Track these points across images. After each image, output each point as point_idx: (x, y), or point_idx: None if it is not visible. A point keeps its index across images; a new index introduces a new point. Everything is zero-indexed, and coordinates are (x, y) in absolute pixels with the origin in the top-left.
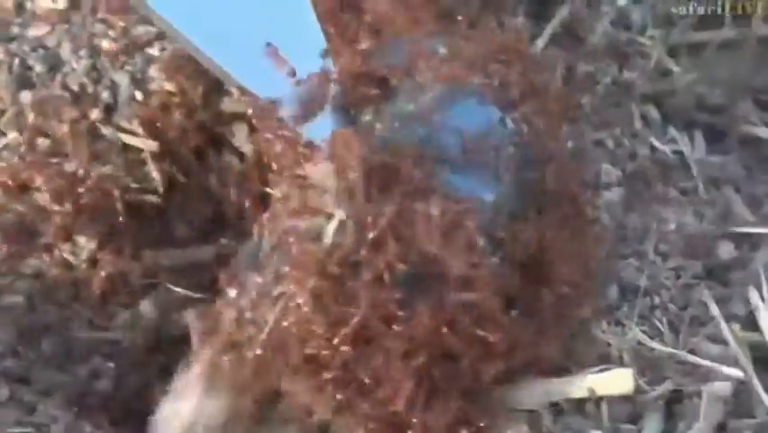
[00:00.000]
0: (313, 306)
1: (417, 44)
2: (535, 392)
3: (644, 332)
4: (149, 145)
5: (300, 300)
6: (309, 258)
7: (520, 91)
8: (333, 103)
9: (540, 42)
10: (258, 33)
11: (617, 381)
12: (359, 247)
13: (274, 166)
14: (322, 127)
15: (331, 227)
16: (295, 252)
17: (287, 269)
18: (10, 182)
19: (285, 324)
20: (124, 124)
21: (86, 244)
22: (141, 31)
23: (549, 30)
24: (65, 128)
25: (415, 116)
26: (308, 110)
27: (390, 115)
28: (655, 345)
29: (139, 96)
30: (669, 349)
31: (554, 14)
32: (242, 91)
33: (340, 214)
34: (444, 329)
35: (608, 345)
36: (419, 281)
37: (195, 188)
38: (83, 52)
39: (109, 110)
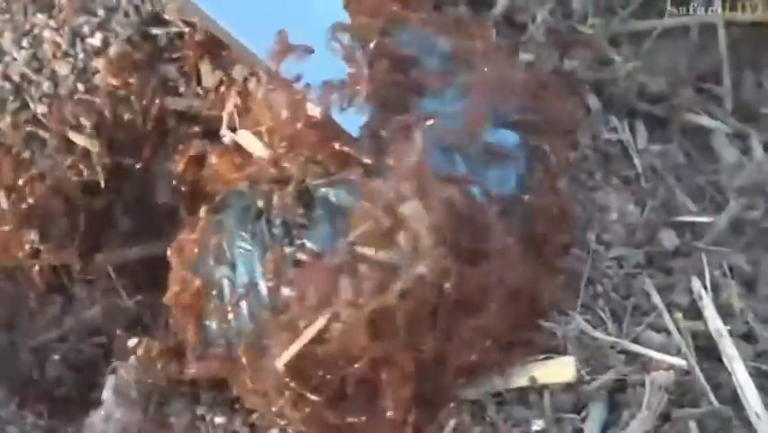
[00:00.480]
0: (366, 331)
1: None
2: (478, 382)
3: (586, 321)
4: (90, 143)
5: (351, 321)
6: (382, 294)
7: (540, 119)
8: (365, 89)
9: None
10: (282, 10)
11: (558, 369)
12: (431, 297)
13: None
14: (355, 115)
15: (413, 273)
16: (369, 281)
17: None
18: None
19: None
20: (67, 116)
21: (28, 236)
22: (82, 20)
23: (490, 19)
24: (7, 119)
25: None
26: (341, 95)
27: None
28: (598, 334)
29: (81, 87)
30: (612, 338)
31: (495, 3)
32: (269, 73)
33: (422, 267)
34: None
35: (553, 334)
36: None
37: (140, 183)
38: (25, 42)
39: (51, 101)
